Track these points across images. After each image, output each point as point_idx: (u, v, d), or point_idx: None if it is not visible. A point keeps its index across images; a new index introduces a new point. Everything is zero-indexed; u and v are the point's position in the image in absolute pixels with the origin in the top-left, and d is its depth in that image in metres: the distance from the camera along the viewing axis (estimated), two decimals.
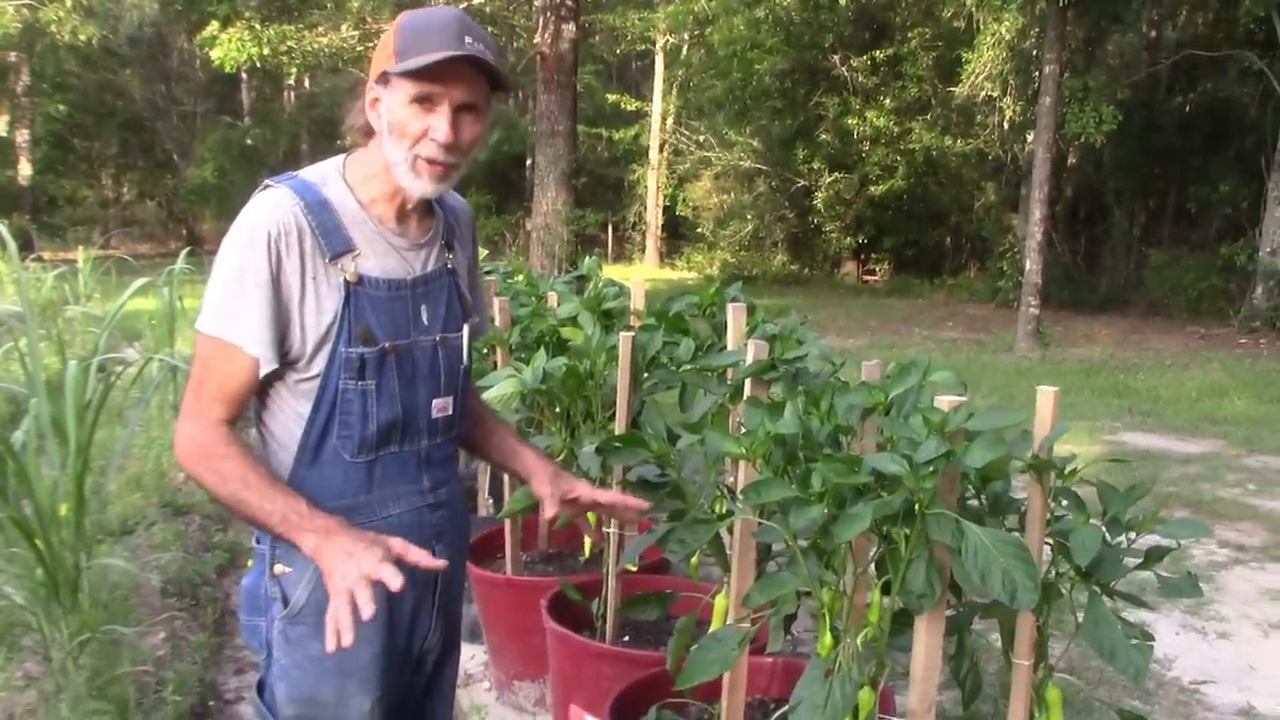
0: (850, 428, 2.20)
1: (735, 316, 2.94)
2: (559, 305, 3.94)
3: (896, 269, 25.20)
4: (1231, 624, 4.91)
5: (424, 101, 1.89)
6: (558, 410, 3.43)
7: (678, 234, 29.11)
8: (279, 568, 1.94)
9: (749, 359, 2.55)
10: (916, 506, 1.92)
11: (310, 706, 1.97)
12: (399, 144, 1.92)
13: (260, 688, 2.04)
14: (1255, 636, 4.79)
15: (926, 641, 2.03)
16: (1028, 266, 14.33)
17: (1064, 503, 2.23)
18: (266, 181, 1.97)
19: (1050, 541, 2.22)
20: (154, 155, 32.76)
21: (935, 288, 22.69)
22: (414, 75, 1.86)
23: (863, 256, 25.62)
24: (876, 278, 25.17)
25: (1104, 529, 2.17)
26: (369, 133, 2.00)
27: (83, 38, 26.42)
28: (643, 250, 28.59)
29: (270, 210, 1.89)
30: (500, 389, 3.22)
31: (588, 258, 4.48)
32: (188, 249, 9.79)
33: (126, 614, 4.00)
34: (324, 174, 2.01)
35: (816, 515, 1.95)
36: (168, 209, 33.30)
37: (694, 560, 3.04)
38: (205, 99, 33.09)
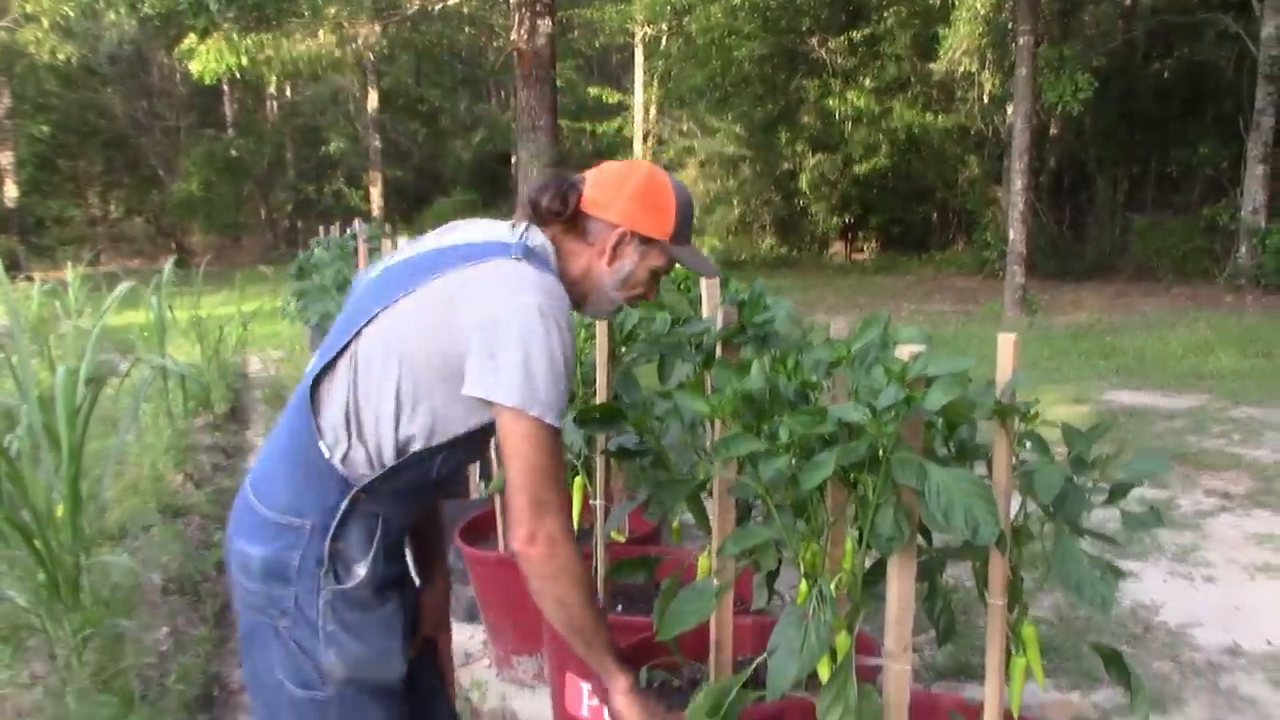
0: (816, 383, 2.27)
1: (709, 289, 3.01)
2: None
3: (884, 246, 25.28)
4: (1218, 569, 4.99)
5: (657, 274, 2.17)
6: None
7: None
8: (339, 544, 1.99)
9: (719, 325, 2.61)
10: (881, 452, 1.99)
11: (361, 666, 2.02)
12: (620, 289, 2.16)
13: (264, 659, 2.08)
14: (1241, 579, 4.87)
15: (899, 584, 2.09)
16: (1011, 236, 14.42)
17: (1029, 446, 2.30)
18: (517, 255, 2.01)
19: (1018, 484, 2.29)
20: (139, 171, 32.75)
21: (923, 263, 22.77)
22: (671, 259, 2.15)
23: (850, 235, 25.69)
24: (864, 256, 25.25)
25: (1068, 468, 2.24)
26: (560, 219, 2.13)
27: (62, 57, 26.40)
28: None
29: (560, 296, 2.00)
30: None
31: None
32: (175, 258, 9.85)
33: (128, 611, 4.07)
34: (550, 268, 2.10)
35: (784, 466, 2.01)
36: (156, 224, 33.29)
37: (675, 524, 3.11)
38: (188, 113, 33.11)
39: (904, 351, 2.05)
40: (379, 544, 2.02)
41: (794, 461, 2.03)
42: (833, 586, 2.10)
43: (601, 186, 2.14)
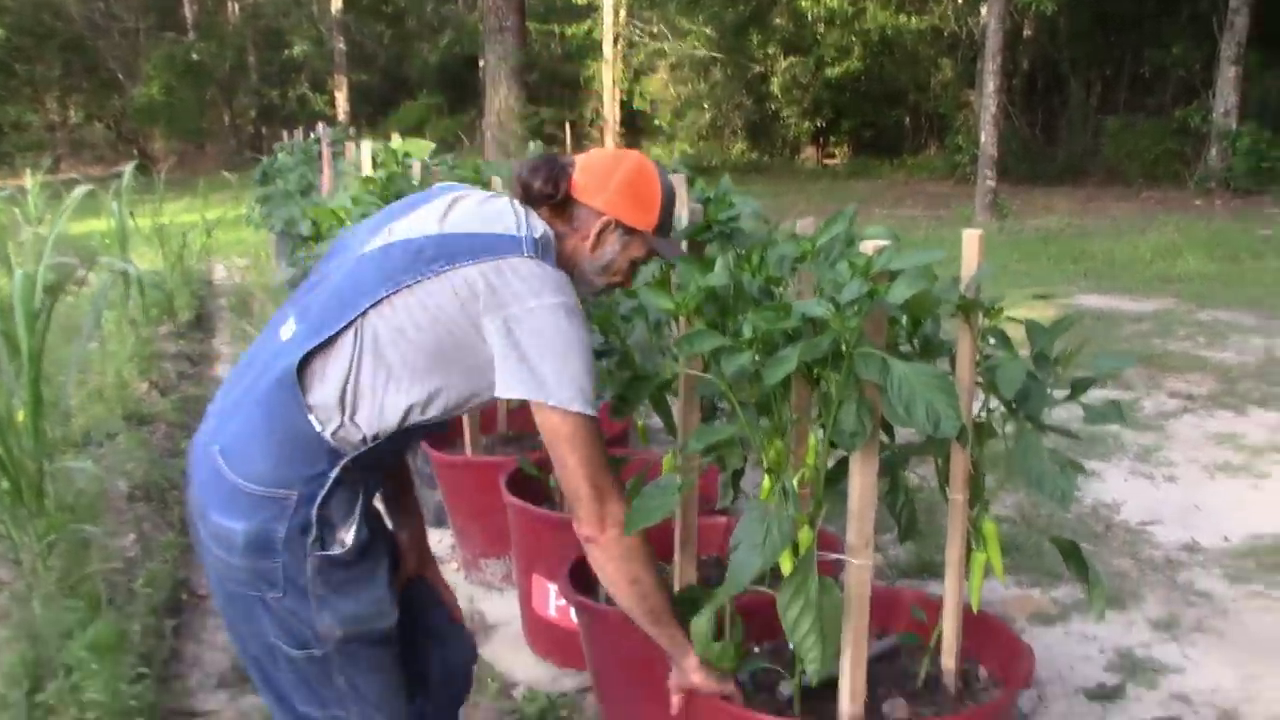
0: (781, 279, 2.25)
1: (675, 186, 2.97)
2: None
3: (856, 151, 25.13)
4: (1179, 468, 5.06)
5: (636, 264, 2.20)
6: None
7: (636, 128, 28.82)
8: (325, 511, 1.97)
9: (684, 223, 2.58)
10: (844, 347, 1.97)
11: (358, 622, 2.03)
12: (600, 275, 2.17)
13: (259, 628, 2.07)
14: (1201, 478, 4.94)
15: (861, 479, 2.10)
16: (983, 139, 14.35)
17: (992, 342, 2.29)
18: (531, 252, 2.01)
19: (981, 381, 2.29)
20: (98, 75, 32.04)
21: (895, 168, 22.67)
22: (651, 250, 2.16)
23: (822, 140, 25.51)
24: (836, 161, 25.10)
25: (1030, 364, 2.24)
26: (551, 202, 2.13)
27: None
28: (602, 146, 28.32)
29: (571, 287, 2.03)
30: None
31: (532, 143, 4.47)
32: (136, 164, 9.67)
33: (94, 517, 4.06)
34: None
35: (746, 361, 2.00)
36: (117, 130, 32.69)
37: (641, 425, 3.11)
38: (146, 15, 32.29)
39: (869, 246, 2.03)
40: (361, 506, 2.03)
41: (757, 358, 2.02)
42: (795, 483, 2.10)
43: (591, 173, 2.15)
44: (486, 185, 4.31)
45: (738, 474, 2.79)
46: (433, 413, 2.01)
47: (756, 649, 2.63)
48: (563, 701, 3.27)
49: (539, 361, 1.93)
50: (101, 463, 4.87)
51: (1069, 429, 2.36)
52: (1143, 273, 10.10)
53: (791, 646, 2.12)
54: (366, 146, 5.65)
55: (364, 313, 1.96)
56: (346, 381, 1.95)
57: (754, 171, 23.78)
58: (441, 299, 1.96)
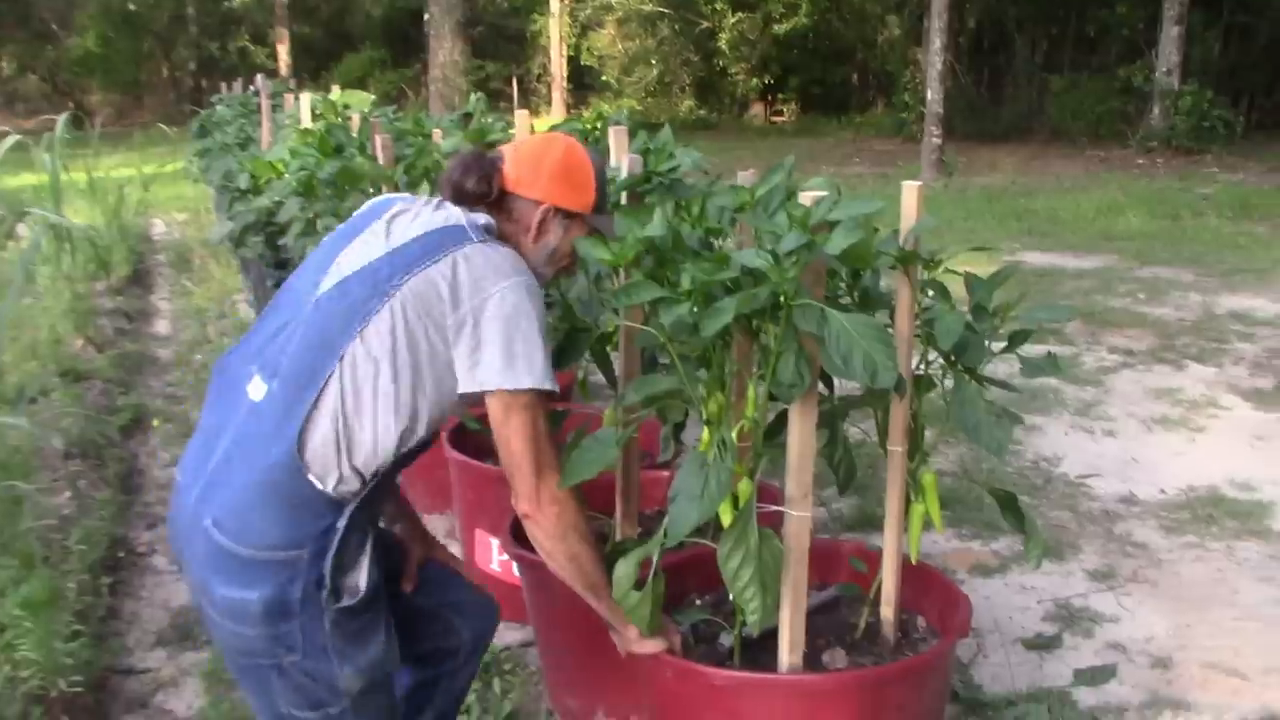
0: (721, 229, 2.23)
1: (617, 138, 2.94)
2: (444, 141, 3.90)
3: (804, 108, 25.11)
4: (1118, 422, 5.13)
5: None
6: None
7: (583, 84, 28.61)
8: (338, 560, 1.93)
9: (623, 174, 2.56)
10: (782, 299, 1.96)
11: (372, 669, 2.02)
12: (547, 264, 2.17)
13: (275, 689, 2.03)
14: (1139, 432, 5.01)
15: (800, 429, 2.09)
16: (929, 97, 14.40)
17: (931, 294, 2.29)
18: (485, 236, 2.02)
19: (920, 333, 2.30)
20: (31, 25, 31.18)
21: (842, 125, 22.68)
22: (592, 229, 2.16)
23: (770, 98, 25.46)
24: (784, 118, 25.07)
25: (969, 316, 2.25)
26: (485, 201, 2.10)
27: None
28: (549, 102, 28.10)
29: (522, 262, 2.03)
30: None
31: (473, 95, 4.41)
32: (70, 116, 9.44)
33: (28, 474, 3.98)
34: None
35: (684, 312, 1.98)
36: (51, 82, 31.89)
37: (582, 378, 3.10)
38: None
39: (807, 198, 2.01)
40: (370, 544, 1.98)
41: (695, 309, 2.00)
42: (734, 435, 2.09)
43: (522, 164, 2.13)
44: (428, 137, 4.26)
45: (679, 427, 2.78)
46: (422, 432, 1.97)
47: (698, 601, 2.64)
48: (506, 655, 3.27)
49: (493, 347, 1.91)
50: (36, 419, 4.78)
51: (1008, 382, 2.38)
52: (1085, 230, 10.20)
53: (732, 598, 2.12)
54: (306, 99, 5.56)
55: (341, 357, 1.90)
56: (337, 432, 1.90)
57: (702, 128, 23.68)
58: (409, 312, 1.92)
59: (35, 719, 2.81)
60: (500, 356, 1.91)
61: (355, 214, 2.15)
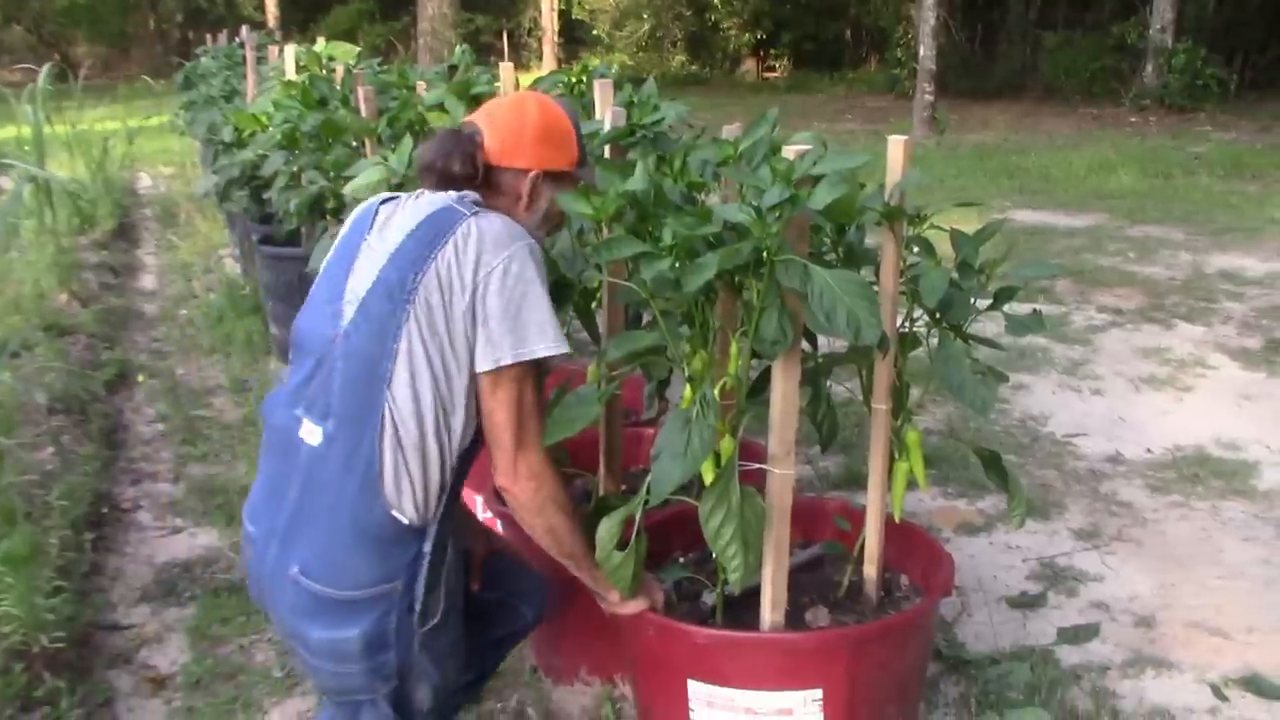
0: (704, 184, 2.20)
1: (602, 91, 2.89)
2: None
3: (796, 64, 24.94)
4: (1105, 381, 5.12)
5: None
6: None
7: (575, 38, 28.37)
8: (427, 582, 1.96)
9: (606, 127, 2.52)
10: (765, 254, 1.94)
11: (444, 690, 2.07)
12: (543, 225, 2.16)
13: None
14: (1127, 391, 5.00)
15: (783, 387, 2.07)
16: (922, 53, 14.30)
17: (916, 251, 2.27)
18: (475, 209, 1.98)
19: (905, 290, 2.27)
20: None
21: (835, 82, 22.55)
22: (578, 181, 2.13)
23: (762, 53, 25.28)
24: (777, 74, 24.91)
25: (954, 272, 2.22)
26: (473, 184, 2.06)
27: None
28: (539, 57, 27.86)
29: (517, 227, 1.99)
30: (365, 177, 3.15)
31: (459, 47, 4.36)
32: (51, 66, 9.31)
33: (10, 429, 3.96)
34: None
35: (665, 267, 1.96)
36: (37, 32, 31.51)
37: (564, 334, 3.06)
38: None
39: (792, 152, 1.98)
40: (451, 556, 2.01)
41: (677, 265, 1.98)
42: (716, 391, 2.07)
43: (501, 134, 2.08)
44: (413, 89, 4.20)
45: (663, 384, 2.76)
46: (471, 428, 1.97)
47: (682, 559, 2.63)
48: None
49: (489, 325, 1.89)
50: (19, 374, 4.75)
51: (995, 341, 2.35)
52: (1077, 188, 10.16)
53: (714, 556, 2.10)
54: (290, 51, 5.48)
55: (388, 382, 1.88)
56: (402, 459, 1.89)
57: (693, 84, 23.54)
58: (432, 310, 1.89)
59: (16, 674, 2.80)
60: (495, 331, 1.89)
61: (341, 232, 2.11)
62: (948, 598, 2.48)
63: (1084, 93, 17.85)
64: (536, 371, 1.96)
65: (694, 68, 25.41)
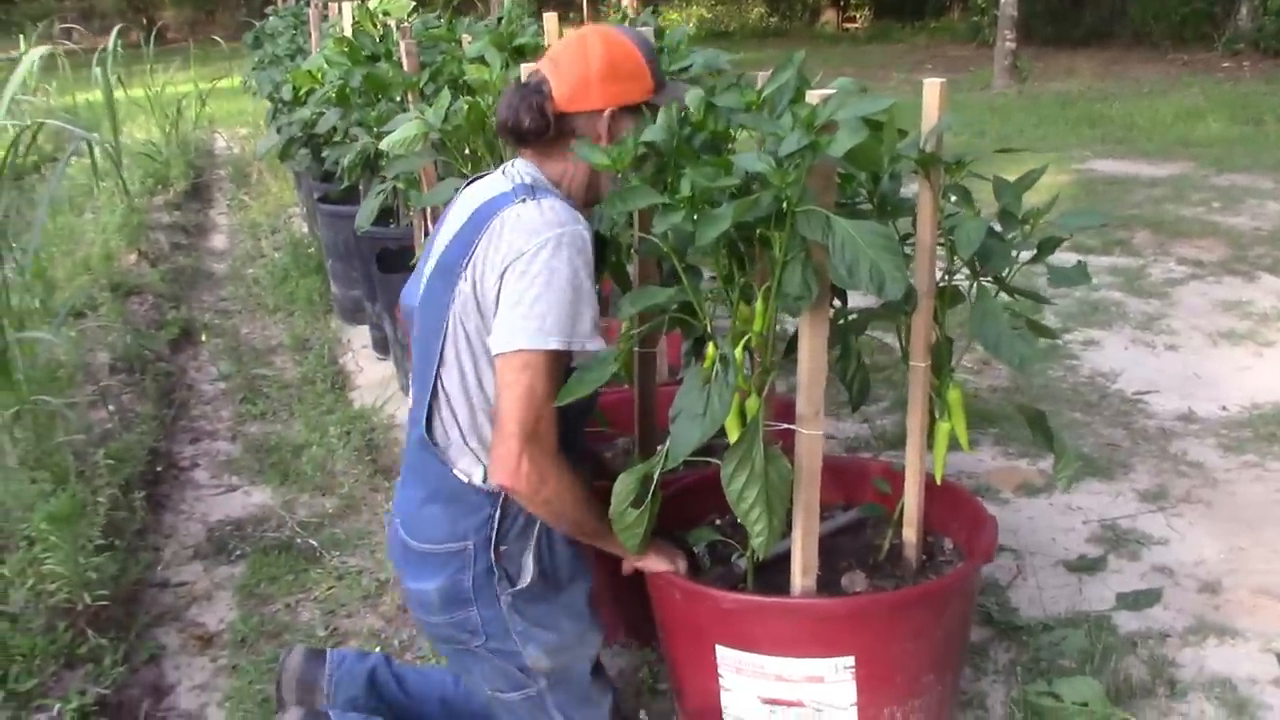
0: (729, 133, 2.11)
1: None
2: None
3: (877, 14, 24.44)
4: (1181, 336, 4.92)
5: None
6: (466, 153, 3.32)
7: None
8: (502, 547, 2.03)
9: None
10: (785, 205, 1.85)
11: (561, 652, 2.12)
12: (587, 194, 2.11)
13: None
14: (1203, 346, 4.81)
15: (810, 344, 1.99)
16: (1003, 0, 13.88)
17: (954, 199, 2.16)
18: (523, 196, 1.96)
19: (944, 241, 2.17)
20: None
21: (916, 31, 22.04)
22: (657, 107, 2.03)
23: (842, 4, 24.80)
24: (857, 25, 24.43)
25: (996, 223, 2.11)
26: (546, 136, 2.03)
27: None
28: (618, 10, 27.65)
29: (575, 220, 1.95)
30: (403, 131, 3.11)
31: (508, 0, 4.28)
32: (119, 30, 9.38)
33: (67, 388, 4.00)
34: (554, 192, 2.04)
35: (681, 219, 1.88)
36: None
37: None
38: None
39: (813, 96, 1.88)
40: (540, 526, 2.04)
41: (695, 217, 1.89)
42: (739, 350, 1.99)
43: (567, 79, 2.02)
44: (460, 44, 4.13)
45: (699, 342, 2.68)
46: None
47: (718, 521, 2.56)
48: None
49: (508, 309, 1.88)
50: (85, 334, 4.81)
51: (1039, 293, 2.24)
52: (1162, 137, 9.79)
53: (739, 519, 2.03)
54: (348, 8, 5.44)
55: (440, 353, 1.97)
56: (458, 424, 2.00)
57: (772, 36, 23.21)
58: (472, 295, 1.94)
59: (61, 631, 2.83)
60: (506, 317, 1.88)
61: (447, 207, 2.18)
62: (992, 562, 2.39)
63: (1174, 38, 17.20)
64: (553, 365, 1.89)
65: (773, 19, 25.06)
